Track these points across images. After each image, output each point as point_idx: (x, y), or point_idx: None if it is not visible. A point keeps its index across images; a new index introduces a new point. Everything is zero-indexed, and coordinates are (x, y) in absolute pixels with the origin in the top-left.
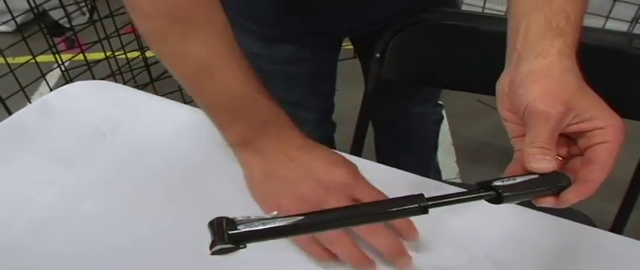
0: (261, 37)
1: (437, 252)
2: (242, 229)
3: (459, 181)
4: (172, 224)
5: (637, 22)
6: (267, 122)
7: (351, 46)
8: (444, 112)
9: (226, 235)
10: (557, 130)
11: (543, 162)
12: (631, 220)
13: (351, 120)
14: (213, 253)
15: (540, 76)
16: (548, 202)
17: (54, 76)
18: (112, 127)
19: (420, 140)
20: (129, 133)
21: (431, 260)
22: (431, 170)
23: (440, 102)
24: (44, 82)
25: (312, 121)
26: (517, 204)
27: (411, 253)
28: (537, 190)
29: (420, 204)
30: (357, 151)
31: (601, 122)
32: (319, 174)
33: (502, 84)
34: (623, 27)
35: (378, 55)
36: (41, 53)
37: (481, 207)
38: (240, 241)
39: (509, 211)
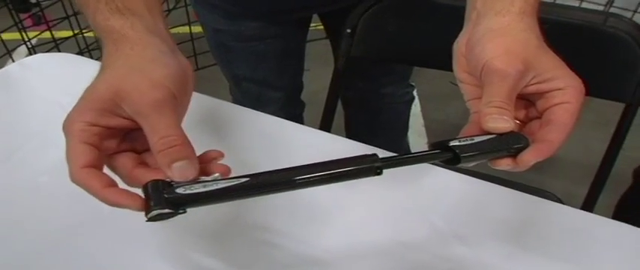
0: (225, 14)
1: (399, 224)
2: (181, 192)
3: None
4: None
5: (612, 5)
6: (101, 36)
7: (322, 27)
8: (415, 93)
9: (163, 199)
10: (515, 89)
11: (500, 121)
12: (602, 203)
13: (321, 101)
14: (149, 220)
15: (499, 34)
16: (506, 164)
17: (20, 54)
18: (72, 100)
19: (391, 120)
20: None
21: (392, 233)
22: (401, 151)
23: (412, 83)
24: (10, 60)
25: (280, 99)
26: (484, 179)
27: (372, 224)
28: (495, 151)
29: (373, 164)
30: (326, 128)
31: (561, 83)
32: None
33: (459, 44)
34: (599, 9)
35: (348, 31)
36: (6, 30)
37: (444, 179)
38: (179, 205)
39: (474, 185)
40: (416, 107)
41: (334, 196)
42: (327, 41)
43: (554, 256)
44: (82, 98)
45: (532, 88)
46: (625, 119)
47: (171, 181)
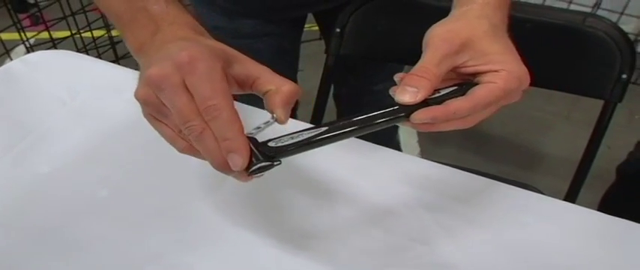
0: (224, 12)
1: (381, 211)
2: (273, 145)
3: None
4: (128, 187)
5: (599, 7)
6: (159, 23)
7: (317, 28)
8: None
9: (259, 153)
10: (444, 62)
11: (404, 94)
12: (590, 201)
13: (314, 100)
14: (251, 173)
15: (453, 20)
16: (408, 124)
17: (18, 53)
18: (72, 95)
19: None
20: (89, 101)
21: (374, 219)
22: (392, 147)
23: None
24: (9, 59)
25: None
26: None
27: (356, 213)
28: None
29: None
30: (316, 122)
31: (497, 66)
32: (168, 56)
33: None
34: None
35: (338, 30)
36: (5, 30)
37: (425, 170)
38: (272, 157)
39: (456, 176)
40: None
41: (319, 185)
42: (320, 42)
43: (531, 243)
44: (194, 42)
45: (470, 69)
46: (604, 116)
47: (256, 138)
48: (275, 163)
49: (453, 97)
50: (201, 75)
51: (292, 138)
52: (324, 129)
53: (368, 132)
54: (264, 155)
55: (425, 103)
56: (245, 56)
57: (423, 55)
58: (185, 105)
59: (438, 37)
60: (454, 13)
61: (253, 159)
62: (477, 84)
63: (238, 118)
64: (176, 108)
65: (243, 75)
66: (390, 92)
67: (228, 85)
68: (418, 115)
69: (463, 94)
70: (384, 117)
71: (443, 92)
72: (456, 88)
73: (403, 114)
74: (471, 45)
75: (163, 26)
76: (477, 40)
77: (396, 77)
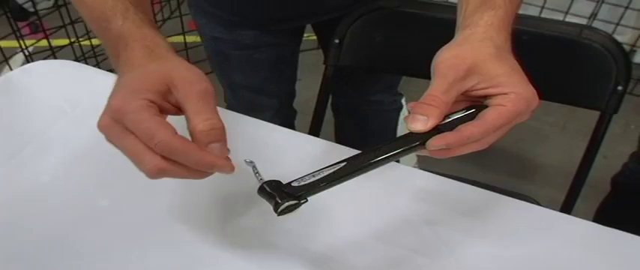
0: (223, 23)
1: (381, 224)
2: (296, 184)
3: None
4: (128, 196)
5: (595, 18)
6: (118, 45)
7: (315, 37)
8: (403, 101)
9: (285, 193)
10: (453, 88)
11: (415, 122)
12: (587, 212)
13: (312, 110)
14: (279, 213)
15: (457, 44)
16: (425, 152)
17: (17, 61)
18: (73, 104)
19: (380, 128)
20: (90, 110)
21: (374, 231)
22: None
23: (400, 92)
24: (7, 67)
25: (273, 107)
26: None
27: (355, 224)
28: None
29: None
30: (314, 133)
31: (506, 88)
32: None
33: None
34: (582, 23)
35: (337, 41)
36: (4, 37)
37: (424, 180)
38: (298, 196)
39: (454, 187)
40: (404, 115)
41: (317, 198)
42: (319, 51)
43: (529, 255)
44: (131, 83)
45: (480, 92)
46: (600, 126)
47: (278, 180)
48: (301, 202)
49: (464, 122)
50: (149, 129)
51: (313, 176)
52: (343, 165)
53: (387, 163)
54: (289, 195)
55: (436, 129)
56: (190, 81)
57: (431, 81)
58: (132, 146)
59: (444, 64)
60: (458, 36)
61: (278, 199)
62: (486, 106)
63: (181, 139)
64: (126, 152)
65: (176, 103)
66: (404, 119)
67: (161, 116)
68: (434, 142)
69: (474, 118)
70: (400, 147)
71: (454, 117)
72: (466, 112)
73: (418, 142)
74: (477, 70)
75: (120, 50)
76: (482, 63)
77: (409, 106)
